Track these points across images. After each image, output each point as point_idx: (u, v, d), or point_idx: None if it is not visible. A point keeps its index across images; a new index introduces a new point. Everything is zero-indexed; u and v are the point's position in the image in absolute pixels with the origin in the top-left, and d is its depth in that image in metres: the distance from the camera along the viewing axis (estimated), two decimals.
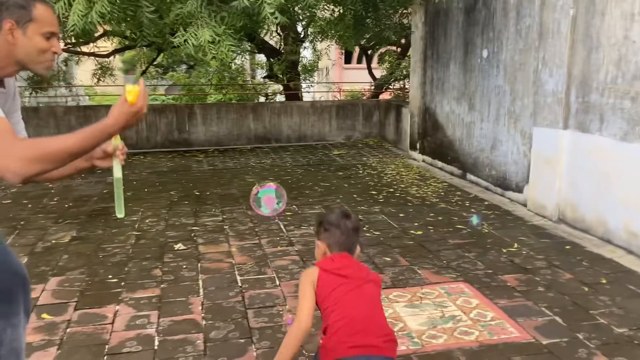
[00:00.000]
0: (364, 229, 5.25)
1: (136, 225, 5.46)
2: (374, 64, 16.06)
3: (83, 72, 15.67)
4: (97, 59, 12.73)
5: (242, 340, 3.15)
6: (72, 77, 16.93)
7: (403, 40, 13.15)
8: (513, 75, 6.26)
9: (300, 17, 11.41)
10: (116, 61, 16.07)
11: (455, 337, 3.17)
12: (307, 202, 6.32)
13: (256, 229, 5.31)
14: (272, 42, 14.01)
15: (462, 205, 6.15)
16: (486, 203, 6.26)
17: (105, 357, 2.99)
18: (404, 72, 12.74)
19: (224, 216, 5.82)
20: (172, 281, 4.04)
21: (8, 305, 1.96)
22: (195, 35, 4.75)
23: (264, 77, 15.89)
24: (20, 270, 2.04)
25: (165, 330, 3.28)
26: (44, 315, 3.46)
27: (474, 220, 5.62)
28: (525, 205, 5.99)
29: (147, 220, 5.64)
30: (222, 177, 7.94)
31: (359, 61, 24.79)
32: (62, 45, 11.72)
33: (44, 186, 7.30)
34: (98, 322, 3.40)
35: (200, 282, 4.01)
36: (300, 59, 14.08)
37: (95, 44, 11.54)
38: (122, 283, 4.01)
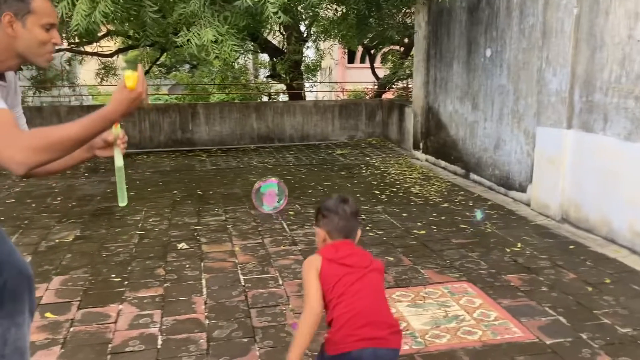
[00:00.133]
0: (367, 228, 5.25)
1: (139, 225, 5.47)
2: (377, 64, 16.04)
3: (86, 71, 15.72)
4: (100, 58, 12.77)
5: (245, 340, 3.15)
6: (75, 77, 16.99)
7: (406, 40, 13.13)
8: (516, 74, 6.24)
9: (303, 17, 11.40)
10: (119, 61, 16.10)
11: (459, 337, 3.16)
12: (310, 202, 6.32)
13: (259, 229, 5.31)
14: (275, 42, 14.01)
15: (465, 205, 6.15)
16: (489, 203, 6.25)
17: (109, 356, 3.00)
18: (407, 72, 12.72)
19: (227, 215, 5.82)
20: (175, 280, 4.05)
21: (13, 304, 1.97)
22: (198, 34, 4.75)
23: (267, 77, 15.89)
24: (25, 269, 2.04)
25: (168, 330, 3.28)
26: (48, 315, 3.47)
27: (478, 215, 5.63)
28: (528, 204, 5.98)
29: (150, 220, 5.65)
30: (225, 177, 7.94)
31: (362, 61, 24.79)
32: (65, 45, 11.75)
33: (48, 185, 7.32)
34: (101, 321, 3.40)
35: (204, 282, 4.02)
36: (303, 58, 14.06)
37: (98, 43, 11.57)
38: (126, 282, 4.02)
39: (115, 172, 2.01)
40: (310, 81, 15.99)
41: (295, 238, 5.01)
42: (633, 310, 3.48)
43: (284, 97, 15.30)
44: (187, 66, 18.76)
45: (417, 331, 3.23)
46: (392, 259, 4.44)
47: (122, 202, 2.02)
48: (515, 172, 6.36)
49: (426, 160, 8.81)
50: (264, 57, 15.90)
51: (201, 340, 3.15)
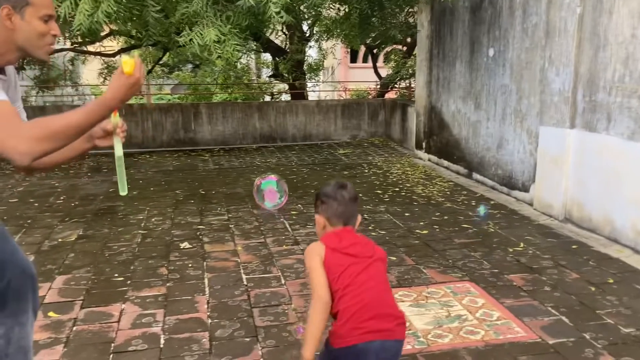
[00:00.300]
0: (370, 228, 5.25)
1: (142, 224, 5.48)
2: (380, 63, 16.03)
3: (89, 71, 15.74)
4: (103, 58, 12.79)
5: (248, 339, 3.16)
6: (78, 77, 17.01)
7: (409, 39, 13.12)
8: (519, 74, 6.23)
9: (306, 16, 11.41)
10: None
11: (461, 337, 3.16)
12: (312, 202, 6.30)
13: (262, 228, 5.32)
14: (277, 41, 14.03)
15: (468, 205, 6.14)
16: (492, 202, 6.24)
17: (111, 356, 3.00)
18: (410, 71, 12.71)
19: (230, 215, 5.82)
20: (178, 280, 4.05)
21: (17, 303, 1.97)
22: (201, 34, 4.75)
23: (270, 77, 15.91)
24: (28, 268, 2.04)
25: (171, 329, 3.29)
26: (51, 314, 3.48)
27: (481, 210, 5.65)
28: (531, 204, 5.97)
29: (153, 219, 5.66)
30: (228, 176, 7.94)
31: (365, 60, 24.75)
32: (68, 44, 11.78)
33: (51, 185, 7.33)
34: (104, 320, 3.41)
35: (206, 281, 4.02)
36: (306, 58, 14.08)
37: (101, 43, 11.59)
38: (128, 281, 4.02)
39: (115, 161, 2.00)
40: (313, 81, 16.00)
41: (297, 237, 5.01)
42: (636, 310, 3.47)
43: (286, 97, 15.31)
44: (189, 66, 18.77)
45: (419, 331, 3.23)
46: (394, 258, 4.44)
47: (123, 191, 2.02)
48: (518, 171, 6.35)
49: (429, 160, 8.81)
50: (267, 56, 15.92)
51: (204, 340, 3.15)
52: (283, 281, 4.00)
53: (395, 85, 13.97)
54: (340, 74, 25.63)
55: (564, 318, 3.38)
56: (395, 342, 1.99)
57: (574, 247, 4.72)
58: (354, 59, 27.21)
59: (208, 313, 3.50)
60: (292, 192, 6.78)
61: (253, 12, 5.18)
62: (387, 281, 2.08)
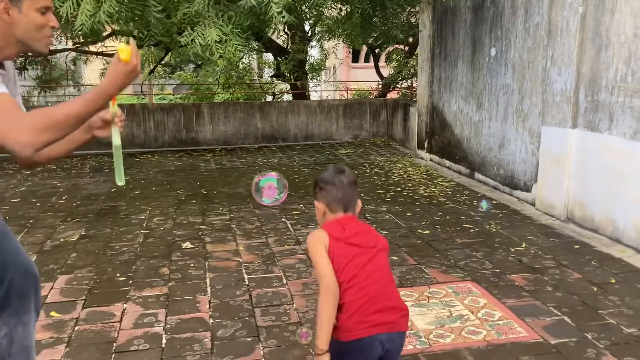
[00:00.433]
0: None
1: (144, 224, 5.48)
2: (382, 63, 16.02)
3: (91, 71, 15.75)
4: (105, 58, 12.78)
5: (250, 339, 3.16)
6: (80, 77, 17.03)
7: (411, 39, 13.11)
8: (521, 73, 6.22)
9: (308, 16, 11.40)
10: None
11: (463, 337, 3.15)
12: (313, 202, 6.31)
13: (263, 228, 5.32)
14: (279, 41, 14.01)
15: (469, 205, 6.13)
16: (494, 202, 6.23)
17: (113, 355, 3.01)
18: (412, 71, 12.71)
19: (232, 215, 5.83)
20: (180, 279, 4.05)
21: (19, 303, 1.98)
22: (203, 34, 4.75)
23: (272, 76, 15.90)
24: (30, 268, 2.04)
25: (172, 329, 3.29)
26: (53, 313, 3.48)
27: (484, 205, 5.70)
28: (533, 204, 5.96)
29: (154, 219, 5.66)
30: (230, 176, 7.95)
31: (367, 60, 24.75)
32: (70, 44, 11.79)
33: (53, 185, 7.35)
34: (106, 320, 3.41)
35: (208, 281, 4.02)
36: (308, 57, 14.07)
37: (103, 43, 11.59)
38: (130, 281, 4.03)
39: (112, 150, 2.01)
40: (315, 81, 15.98)
41: (299, 237, 5.01)
42: (638, 310, 3.46)
43: (288, 97, 15.31)
44: (191, 66, 18.78)
45: (421, 331, 3.22)
46: (396, 258, 4.44)
47: (120, 181, 2.03)
48: (520, 171, 6.34)
49: (431, 160, 8.80)
50: (269, 56, 15.92)
51: (205, 340, 3.15)
52: (285, 281, 4.00)
53: (397, 85, 13.96)
54: (342, 73, 25.63)
55: (566, 318, 3.37)
56: (399, 333, 2.00)
57: (576, 247, 4.71)
58: (355, 59, 27.20)
59: (210, 313, 3.50)
60: (293, 192, 6.79)
61: (255, 12, 5.18)
62: (390, 272, 2.07)
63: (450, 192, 6.73)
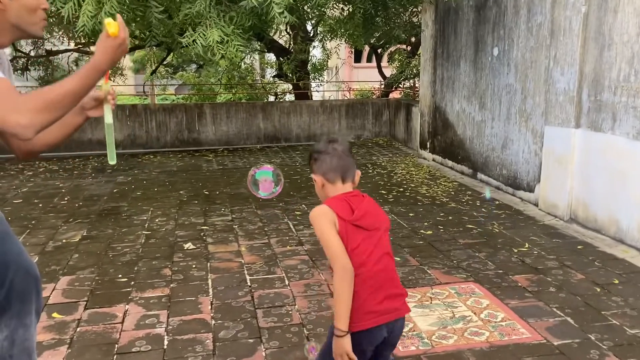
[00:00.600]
0: None
1: (146, 225, 5.48)
2: (384, 63, 16.01)
3: None
4: None
5: (251, 340, 3.15)
6: None
7: (413, 39, 13.10)
8: (524, 73, 6.21)
9: (310, 16, 11.39)
10: (126, 61, 16.14)
11: (466, 338, 3.14)
12: (316, 202, 6.28)
13: (265, 229, 5.31)
14: (281, 41, 14.01)
15: (472, 205, 6.12)
16: (497, 202, 6.22)
17: (115, 357, 3.00)
18: (414, 71, 12.69)
19: (234, 215, 5.82)
20: (182, 281, 4.05)
21: (21, 304, 1.97)
22: (204, 35, 4.74)
23: (274, 77, 15.90)
24: (32, 269, 2.04)
25: (174, 330, 3.28)
26: (55, 315, 3.48)
27: (487, 193, 5.74)
28: (536, 204, 5.95)
29: (156, 220, 5.66)
30: (232, 177, 7.95)
31: (369, 60, 24.75)
32: (72, 45, 11.81)
33: (55, 185, 7.35)
34: (108, 321, 3.41)
35: (210, 282, 4.02)
36: (310, 58, 14.06)
37: None
38: (132, 282, 4.02)
39: (105, 130, 2.01)
40: (317, 81, 15.97)
41: (301, 238, 5.00)
42: None
43: (290, 97, 15.30)
44: (193, 66, 18.80)
45: (424, 332, 3.21)
46: (399, 259, 4.42)
47: (112, 160, 2.02)
48: (523, 171, 6.32)
49: (433, 160, 8.78)
50: (271, 56, 15.91)
51: (207, 341, 3.15)
52: (287, 282, 4.00)
53: (400, 85, 13.95)
54: (344, 73, 25.62)
55: (569, 319, 3.36)
56: (401, 319, 2.01)
57: (579, 247, 4.69)
58: (358, 59, 27.20)
59: (212, 314, 3.49)
60: (296, 193, 6.78)
61: (256, 13, 5.17)
62: (392, 254, 2.03)
63: (452, 193, 6.71)
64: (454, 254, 4.54)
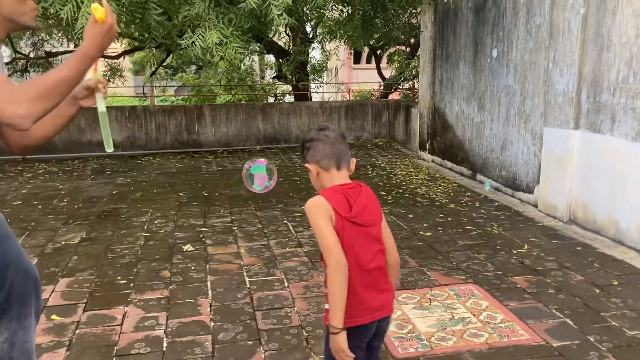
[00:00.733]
0: None
1: (145, 227, 5.48)
2: (383, 64, 16.02)
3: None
4: (106, 60, 12.81)
5: (251, 342, 3.15)
6: (82, 78, 17.04)
7: (412, 40, 13.11)
8: (523, 75, 6.21)
9: (309, 18, 11.40)
10: (126, 62, 16.14)
11: (465, 340, 3.14)
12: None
13: (265, 230, 5.31)
14: (280, 43, 14.01)
15: (471, 206, 6.12)
16: (496, 204, 6.22)
17: (114, 359, 3.00)
18: (413, 72, 12.70)
19: (233, 217, 5.82)
20: (181, 282, 4.05)
21: (20, 306, 1.97)
22: (203, 37, 4.74)
23: (273, 78, 15.90)
24: (31, 271, 2.04)
25: (173, 332, 3.28)
26: (54, 317, 3.48)
27: (487, 186, 5.76)
28: (535, 206, 5.95)
29: (156, 222, 5.66)
30: (231, 178, 7.94)
31: (368, 61, 24.76)
32: (71, 47, 11.81)
33: (54, 187, 7.35)
34: (107, 323, 3.40)
35: (209, 284, 4.02)
36: (309, 59, 14.07)
37: None
38: (131, 284, 4.02)
39: (99, 118, 2.01)
40: (316, 82, 15.98)
41: (301, 240, 5.00)
42: None
43: (290, 98, 15.31)
44: (193, 67, 18.81)
45: (423, 334, 3.21)
46: None
47: (109, 147, 2.02)
48: (522, 173, 6.32)
49: (432, 161, 8.79)
50: (270, 58, 15.92)
51: (206, 343, 3.15)
52: (286, 284, 3.99)
53: (399, 86, 13.96)
54: (343, 75, 25.62)
55: (568, 320, 3.36)
56: (389, 317, 2.06)
57: (578, 248, 4.69)
58: (357, 60, 27.22)
59: (211, 316, 3.49)
60: (295, 194, 6.78)
61: (255, 15, 5.17)
62: (384, 246, 2.01)
63: (452, 194, 6.71)
64: (453, 255, 4.54)
